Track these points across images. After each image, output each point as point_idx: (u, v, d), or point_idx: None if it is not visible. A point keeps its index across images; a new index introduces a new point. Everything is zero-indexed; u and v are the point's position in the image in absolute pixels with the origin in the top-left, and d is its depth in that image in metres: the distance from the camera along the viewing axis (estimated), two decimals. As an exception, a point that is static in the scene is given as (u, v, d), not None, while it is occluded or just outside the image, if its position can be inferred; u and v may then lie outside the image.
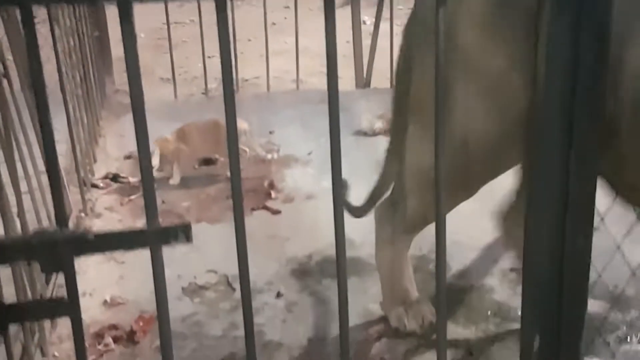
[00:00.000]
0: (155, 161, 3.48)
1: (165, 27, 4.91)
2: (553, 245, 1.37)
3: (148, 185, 1.24)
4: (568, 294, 1.41)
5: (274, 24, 6.26)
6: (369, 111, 4.28)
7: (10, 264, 1.37)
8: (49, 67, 3.42)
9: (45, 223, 2.77)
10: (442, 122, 1.36)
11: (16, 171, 2.41)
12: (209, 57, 4.93)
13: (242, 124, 3.69)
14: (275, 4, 6.11)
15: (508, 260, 2.94)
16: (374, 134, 4.11)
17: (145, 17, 5.12)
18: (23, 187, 2.47)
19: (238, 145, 3.56)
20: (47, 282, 2.63)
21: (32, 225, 2.51)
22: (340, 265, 1.40)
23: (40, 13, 3.34)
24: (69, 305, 1.26)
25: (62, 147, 3.50)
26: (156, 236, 1.24)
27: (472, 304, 2.69)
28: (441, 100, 1.35)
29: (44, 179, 2.76)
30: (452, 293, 2.74)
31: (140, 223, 3.33)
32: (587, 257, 1.37)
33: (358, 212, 2.79)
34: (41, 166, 2.75)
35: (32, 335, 2.36)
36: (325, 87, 3.65)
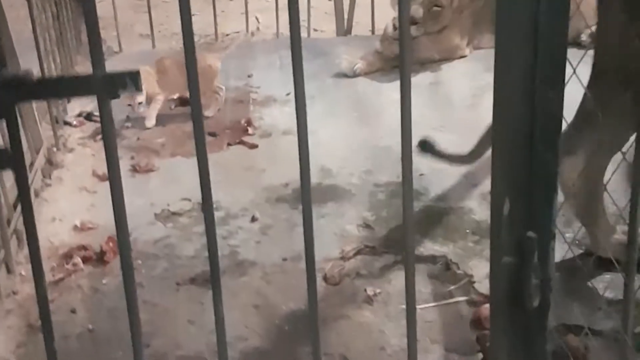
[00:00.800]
0: (142, 98, 3.41)
1: None
2: (523, 97, 1.31)
3: (92, 25, 1.17)
4: (539, 153, 1.35)
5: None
6: (349, 55, 4.22)
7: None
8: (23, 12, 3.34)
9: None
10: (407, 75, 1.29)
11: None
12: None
13: (216, 62, 3.63)
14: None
15: (488, 184, 2.88)
16: (354, 75, 4.04)
17: None
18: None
19: (215, 82, 3.34)
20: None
21: None
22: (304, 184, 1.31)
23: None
24: (12, 157, 1.19)
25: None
26: (103, 83, 1.17)
27: (450, 224, 2.65)
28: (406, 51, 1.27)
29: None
30: (431, 214, 2.70)
31: (113, 158, 3.25)
32: (558, 110, 1.31)
33: (467, 159, 2.65)
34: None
35: (-4, 254, 2.30)
36: (306, 35, 3.54)
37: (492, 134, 1.41)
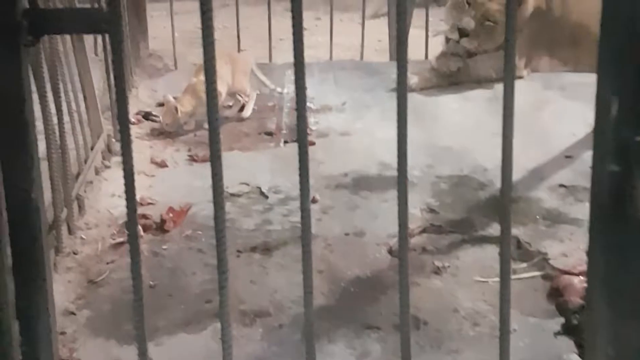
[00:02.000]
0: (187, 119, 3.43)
1: (198, 30, 4.91)
2: None
3: None
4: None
5: (305, 29, 6.24)
6: (405, 72, 4.20)
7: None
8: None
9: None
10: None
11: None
12: (243, 49, 4.87)
13: (250, 57, 3.75)
14: (306, 16, 6.13)
15: (556, 178, 2.81)
16: (410, 90, 4.01)
17: (180, 21, 5.11)
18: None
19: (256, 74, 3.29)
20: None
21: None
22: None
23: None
24: (110, 19, 1.15)
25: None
26: None
27: (519, 210, 2.55)
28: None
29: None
30: (499, 202, 2.61)
31: (170, 150, 3.25)
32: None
33: None
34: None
35: (60, 211, 2.26)
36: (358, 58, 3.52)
37: (600, 24, 1.33)
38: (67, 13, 1.20)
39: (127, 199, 1.22)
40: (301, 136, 1.26)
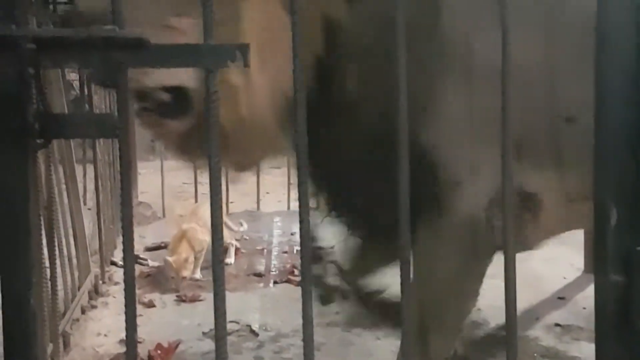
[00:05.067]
0: (187, 273, 3.28)
1: (185, 185, 5.16)
2: (628, 100, 1.27)
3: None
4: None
5: (292, 183, 6.39)
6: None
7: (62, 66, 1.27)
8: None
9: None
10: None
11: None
12: (231, 202, 4.93)
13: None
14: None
15: (551, 318, 2.77)
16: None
17: (168, 177, 5.22)
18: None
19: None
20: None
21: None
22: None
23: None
24: (119, 126, 1.17)
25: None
26: (212, 53, 1.19)
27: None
28: None
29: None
30: (495, 341, 2.57)
31: (158, 292, 3.19)
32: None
33: None
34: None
35: (46, 346, 2.18)
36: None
37: (595, 136, 1.36)
38: (79, 117, 1.21)
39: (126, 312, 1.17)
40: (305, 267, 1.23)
